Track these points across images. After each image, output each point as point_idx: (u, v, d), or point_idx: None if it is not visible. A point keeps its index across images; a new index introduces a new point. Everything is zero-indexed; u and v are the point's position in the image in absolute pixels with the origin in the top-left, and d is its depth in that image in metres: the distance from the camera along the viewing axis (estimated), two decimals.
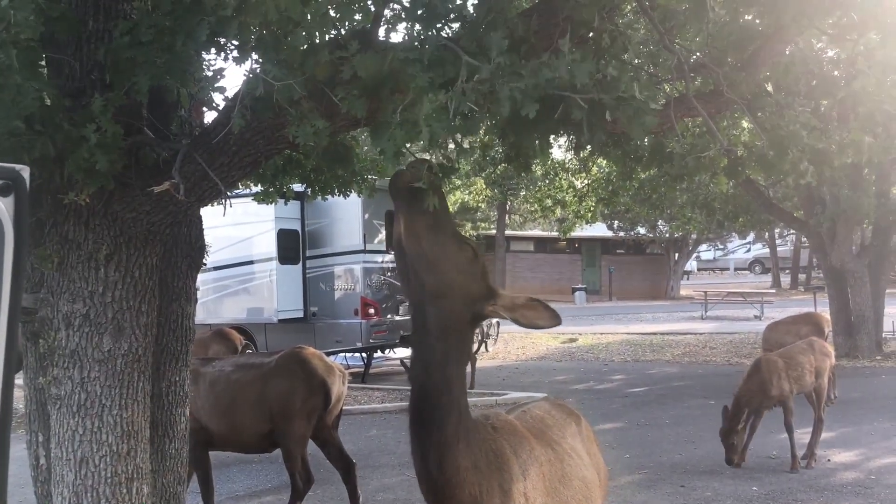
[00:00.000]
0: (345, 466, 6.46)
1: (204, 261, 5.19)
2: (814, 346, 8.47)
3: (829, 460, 8.24)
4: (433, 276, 2.51)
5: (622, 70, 3.10)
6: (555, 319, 2.65)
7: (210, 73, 3.21)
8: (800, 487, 7.27)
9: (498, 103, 2.68)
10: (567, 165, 19.30)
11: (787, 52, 5.72)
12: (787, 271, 40.90)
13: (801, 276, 39.51)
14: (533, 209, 27.84)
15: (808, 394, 8.26)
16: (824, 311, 15.25)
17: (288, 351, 6.94)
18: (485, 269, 2.66)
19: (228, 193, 4.22)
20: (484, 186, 30.01)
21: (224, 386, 6.31)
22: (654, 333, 21.45)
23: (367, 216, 14.74)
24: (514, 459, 2.66)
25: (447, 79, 2.85)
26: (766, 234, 36.86)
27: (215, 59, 3.38)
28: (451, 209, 2.58)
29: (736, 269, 49.57)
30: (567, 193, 19.99)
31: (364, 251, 14.71)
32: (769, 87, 7.01)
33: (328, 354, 15.80)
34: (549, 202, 21.24)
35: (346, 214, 14.58)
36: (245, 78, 3.21)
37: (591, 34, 3.91)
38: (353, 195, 7.14)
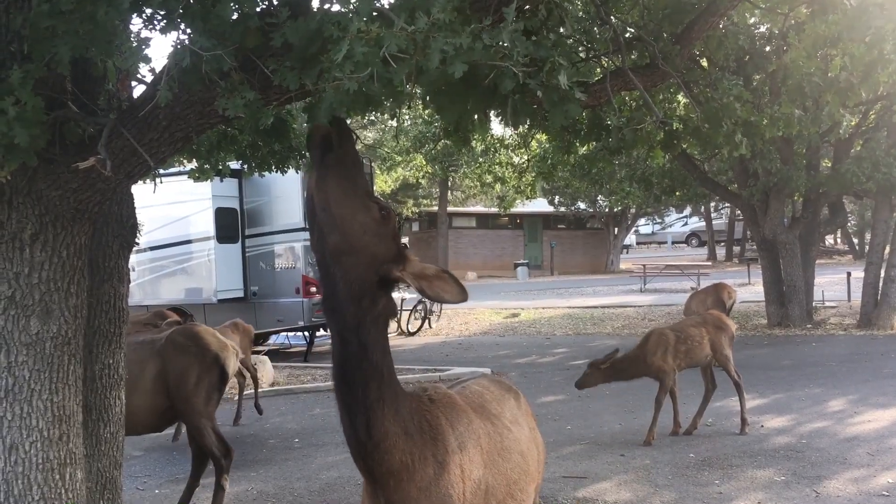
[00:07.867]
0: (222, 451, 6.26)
1: (136, 240, 5.05)
2: (707, 320, 8.59)
3: (762, 426, 8.49)
4: (338, 233, 2.45)
5: (552, 52, 3.08)
6: (462, 295, 2.56)
7: (135, 43, 3.09)
8: (734, 453, 7.48)
9: (428, 55, 2.62)
10: (507, 141, 19.35)
11: (721, 27, 5.81)
12: (723, 244, 41.98)
13: (736, 249, 40.58)
14: (473, 185, 27.90)
15: (704, 367, 8.35)
16: (757, 283, 15.58)
17: (180, 327, 6.77)
18: (395, 232, 2.58)
19: (160, 170, 4.10)
20: (424, 163, 29.75)
21: None
22: (595, 307, 21.77)
23: (306, 193, 14.56)
24: (451, 431, 2.63)
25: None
26: (702, 207, 37.72)
27: (141, 30, 3.25)
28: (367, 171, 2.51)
29: (673, 243, 50.67)
30: (506, 169, 20.07)
31: (305, 229, 14.55)
32: (704, 62, 7.13)
33: (271, 334, 15.80)
34: (488, 178, 21.29)
35: (286, 192, 14.42)
36: (172, 49, 3.10)
37: (527, 6, 3.89)
38: (292, 171, 7.01)
